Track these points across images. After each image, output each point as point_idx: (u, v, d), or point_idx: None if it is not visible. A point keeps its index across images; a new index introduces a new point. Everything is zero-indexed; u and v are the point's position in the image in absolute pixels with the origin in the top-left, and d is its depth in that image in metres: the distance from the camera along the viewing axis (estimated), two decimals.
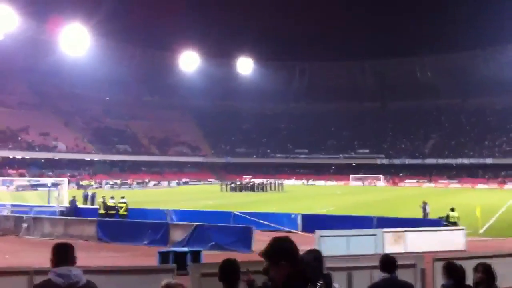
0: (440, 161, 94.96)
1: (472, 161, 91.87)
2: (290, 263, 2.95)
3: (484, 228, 24.15)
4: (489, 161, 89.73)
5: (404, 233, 17.66)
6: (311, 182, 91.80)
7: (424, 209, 26.57)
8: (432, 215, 24.43)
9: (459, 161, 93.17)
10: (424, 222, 21.35)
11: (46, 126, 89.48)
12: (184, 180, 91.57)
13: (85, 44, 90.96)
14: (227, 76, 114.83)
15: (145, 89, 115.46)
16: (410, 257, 10.65)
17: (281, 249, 3.00)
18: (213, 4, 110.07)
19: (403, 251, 16.28)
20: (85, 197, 37.28)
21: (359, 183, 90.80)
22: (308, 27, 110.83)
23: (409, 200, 42.43)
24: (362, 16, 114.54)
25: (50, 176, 67.37)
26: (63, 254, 4.09)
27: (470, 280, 5.47)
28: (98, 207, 25.63)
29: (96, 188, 67.79)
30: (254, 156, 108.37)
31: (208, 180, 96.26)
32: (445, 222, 20.76)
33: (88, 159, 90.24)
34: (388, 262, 5.28)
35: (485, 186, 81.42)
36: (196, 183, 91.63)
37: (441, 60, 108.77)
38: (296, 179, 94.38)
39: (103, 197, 26.13)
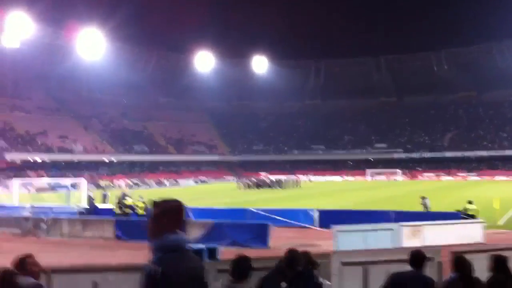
0: (459, 154, 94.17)
1: (491, 153, 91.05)
2: None
3: (503, 220, 23.89)
4: (508, 152, 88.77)
5: (422, 227, 17.55)
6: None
7: (425, 204, 26.29)
8: (449, 208, 24.16)
9: (478, 153, 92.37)
10: (442, 215, 21.15)
11: (65, 130, 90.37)
12: (201, 178, 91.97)
13: (101, 48, 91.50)
14: (242, 76, 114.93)
15: (161, 91, 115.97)
16: (427, 251, 10.56)
17: None
18: (227, 4, 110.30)
19: (420, 245, 16.17)
20: (104, 197, 37.61)
21: (377, 178, 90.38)
22: (322, 25, 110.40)
23: (428, 194, 42.15)
24: (377, 12, 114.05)
25: (70, 178, 68.00)
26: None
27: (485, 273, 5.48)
28: (115, 207, 25.84)
29: (115, 188, 68.44)
30: (271, 153, 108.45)
31: (225, 178, 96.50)
32: (463, 215, 20.56)
33: (107, 160, 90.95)
34: (415, 257, 5.40)
35: (505, 178, 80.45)
36: (213, 181, 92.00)
37: (458, 54, 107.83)
38: (314, 175, 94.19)
39: (121, 196, 26.34)
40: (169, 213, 3.03)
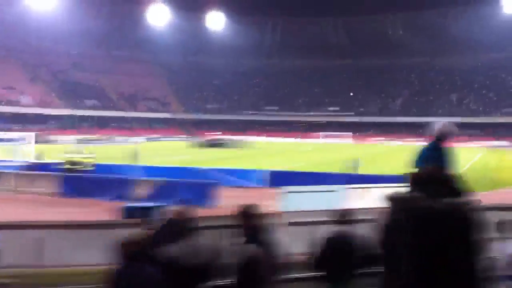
0: (409, 119, 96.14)
1: (440, 119, 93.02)
2: None
3: None
4: (456, 119, 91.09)
5: (369, 189, 17.92)
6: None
7: (355, 166, 27.15)
8: (396, 172, 24.67)
9: (427, 119, 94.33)
10: (388, 178, 21.60)
11: (12, 80, 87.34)
12: (153, 136, 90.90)
13: None
14: (198, 31, 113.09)
15: (114, 43, 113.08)
16: (371, 212, 10.84)
17: None
18: None
19: (367, 207, 16.55)
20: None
21: (329, 140, 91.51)
22: None
23: (377, 157, 43.18)
24: None
25: (17, 131, 66.16)
26: None
27: None
28: (64, 161, 25.32)
29: (64, 143, 66.99)
30: (225, 113, 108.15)
31: (178, 136, 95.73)
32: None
33: (56, 113, 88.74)
34: (341, 216, 5.41)
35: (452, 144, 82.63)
36: (165, 139, 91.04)
37: (413, 18, 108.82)
38: (267, 136, 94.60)
39: (69, 152, 25.83)
40: None
